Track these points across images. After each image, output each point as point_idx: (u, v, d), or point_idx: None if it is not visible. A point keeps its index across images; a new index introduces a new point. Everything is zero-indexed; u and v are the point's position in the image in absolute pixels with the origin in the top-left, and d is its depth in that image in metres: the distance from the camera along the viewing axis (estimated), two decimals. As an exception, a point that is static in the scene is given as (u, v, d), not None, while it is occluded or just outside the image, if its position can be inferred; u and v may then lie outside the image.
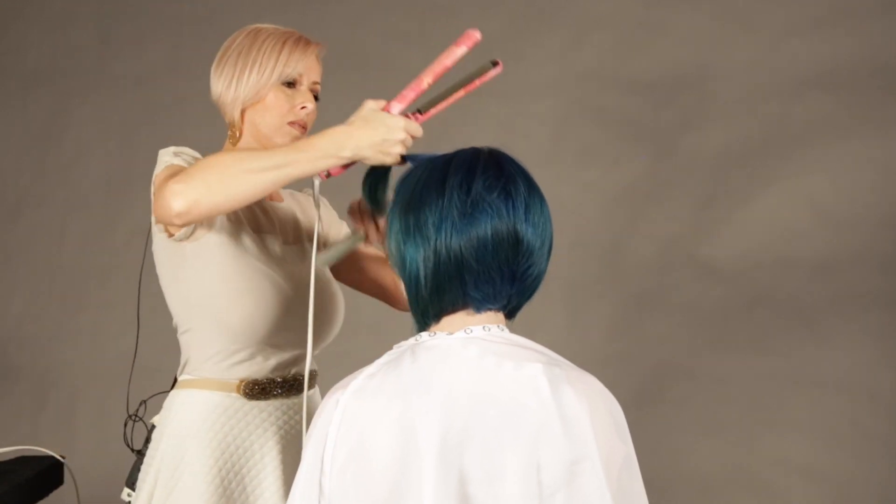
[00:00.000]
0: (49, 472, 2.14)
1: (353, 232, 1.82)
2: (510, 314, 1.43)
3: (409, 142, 1.60)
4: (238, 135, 1.87)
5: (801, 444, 3.09)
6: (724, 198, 3.20)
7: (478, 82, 1.70)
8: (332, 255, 1.84)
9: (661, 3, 3.28)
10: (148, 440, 1.86)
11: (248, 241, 1.82)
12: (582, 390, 1.31)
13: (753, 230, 3.17)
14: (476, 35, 1.68)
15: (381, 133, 1.59)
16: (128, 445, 1.90)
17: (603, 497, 1.27)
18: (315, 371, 1.92)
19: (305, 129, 1.87)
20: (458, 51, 1.68)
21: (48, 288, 3.81)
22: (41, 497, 2.12)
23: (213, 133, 2.19)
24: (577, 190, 3.27)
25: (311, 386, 1.88)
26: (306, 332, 1.79)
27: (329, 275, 1.96)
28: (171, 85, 3.69)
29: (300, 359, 1.87)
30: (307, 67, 1.88)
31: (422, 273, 1.38)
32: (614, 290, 3.29)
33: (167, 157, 1.77)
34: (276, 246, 1.87)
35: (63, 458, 2.15)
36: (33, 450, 2.13)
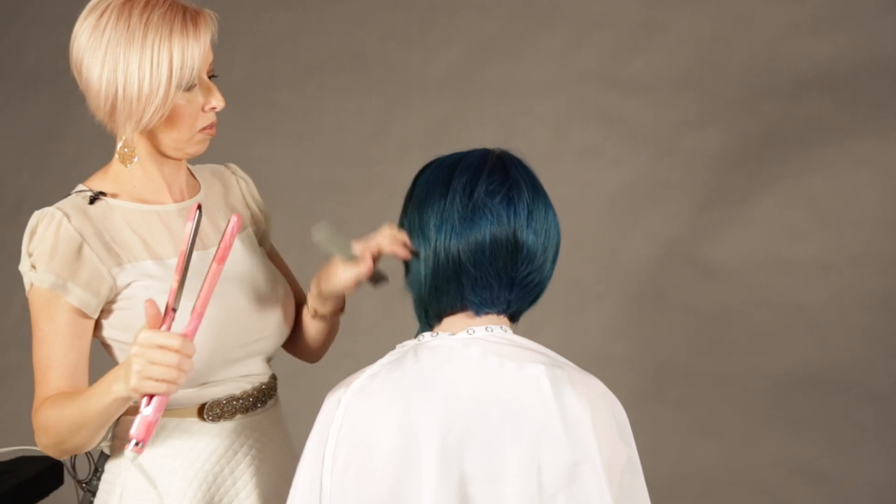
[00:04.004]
0: (49, 472, 2.14)
1: (347, 248, 1.53)
2: (513, 318, 1.43)
3: (171, 358, 1.30)
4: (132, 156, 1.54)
5: (801, 444, 3.09)
6: (724, 198, 3.20)
7: (222, 246, 1.37)
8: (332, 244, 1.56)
9: (661, 3, 3.28)
10: (97, 470, 1.65)
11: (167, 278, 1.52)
12: (584, 392, 1.31)
13: (753, 230, 3.17)
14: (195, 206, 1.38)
15: (137, 363, 1.31)
16: (73, 477, 1.67)
17: (603, 499, 1.27)
18: (274, 378, 1.71)
19: (214, 129, 1.55)
20: (187, 227, 1.36)
21: (48, 288, 3.81)
22: (41, 497, 2.12)
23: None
24: (577, 190, 3.27)
25: (270, 396, 1.68)
26: (255, 341, 1.62)
27: (267, 270, 1.69)
28: (171, 85, 3.69)
29: (255, 371, 1.65)
30: (205, 53, 1.47)
31: (422, 272, 1.38)
32: (614, 290, 3.28)
33: (28, 271, 1.52)
34: (201, 263, 1.53)
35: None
36: (33, 450, 2.12)
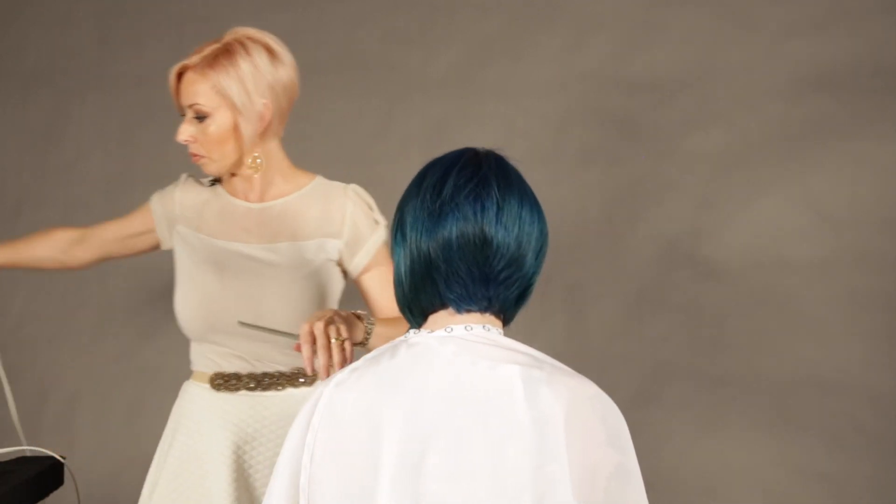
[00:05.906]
0: (49, 473, 2.14)
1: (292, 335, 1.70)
2: (506, 318, 1.42)
3: None
4: None
5: (801, 444, 3.09)
6: (724, 198, 3.20)
7: None
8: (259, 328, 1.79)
9: (661, 3, 3.28)
10: None
11: (199, 247, 1.98)
12: (562, 394, 1.29)
13: (753, 230, 3.17)
14: None
15: None
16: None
17: (567, 502, 1.25)
18: (301, 371, 1.97)
19: (200, 158, 1.96)
20: None
21: (48, 288, 3.81)
22: (41, 497, 2.12)
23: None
24: (577, 190, 3.27)
25: (290, 384, 1.96)
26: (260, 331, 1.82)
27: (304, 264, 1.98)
28: (171, 85, 3.68)
29: (266, 357, 1.95)
30: (180, 95, 1.97)
31: (402, 271, 1.40)
32: (614, 290, 3.28)
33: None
34: (232, 247, 1.97)
35: (63, 458, 2.15)
36: (33, 450, 2.13)
